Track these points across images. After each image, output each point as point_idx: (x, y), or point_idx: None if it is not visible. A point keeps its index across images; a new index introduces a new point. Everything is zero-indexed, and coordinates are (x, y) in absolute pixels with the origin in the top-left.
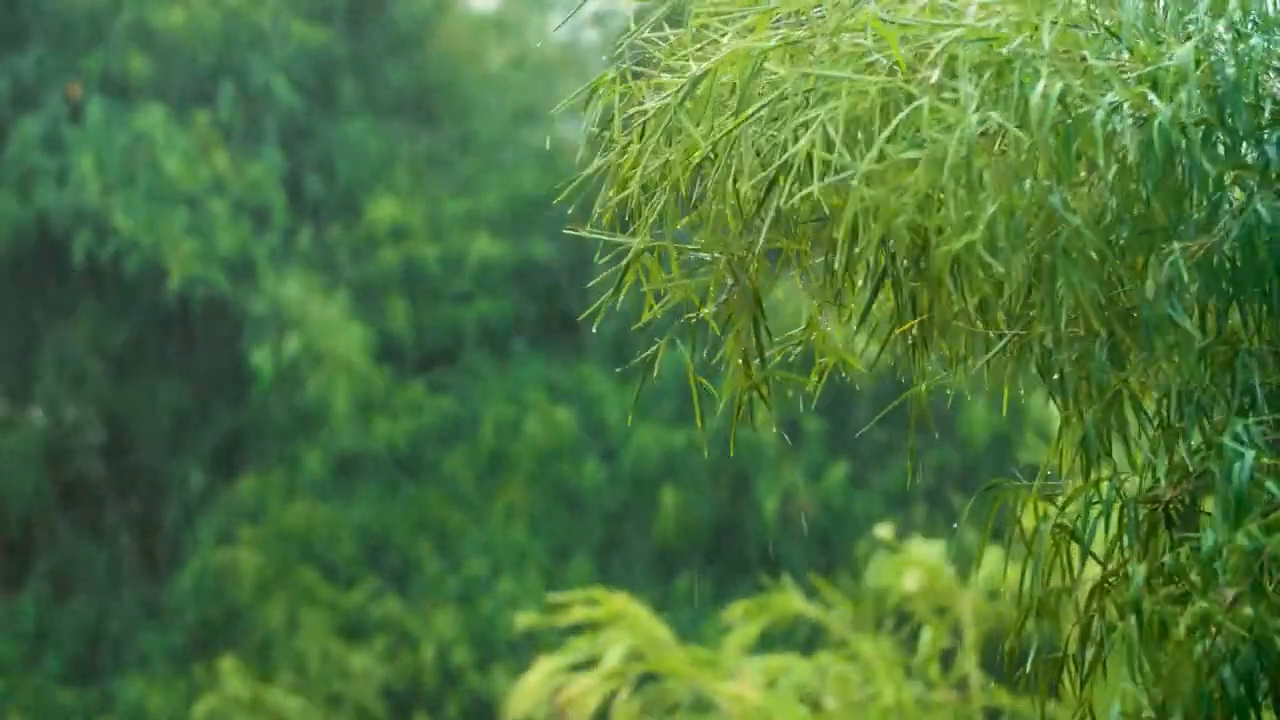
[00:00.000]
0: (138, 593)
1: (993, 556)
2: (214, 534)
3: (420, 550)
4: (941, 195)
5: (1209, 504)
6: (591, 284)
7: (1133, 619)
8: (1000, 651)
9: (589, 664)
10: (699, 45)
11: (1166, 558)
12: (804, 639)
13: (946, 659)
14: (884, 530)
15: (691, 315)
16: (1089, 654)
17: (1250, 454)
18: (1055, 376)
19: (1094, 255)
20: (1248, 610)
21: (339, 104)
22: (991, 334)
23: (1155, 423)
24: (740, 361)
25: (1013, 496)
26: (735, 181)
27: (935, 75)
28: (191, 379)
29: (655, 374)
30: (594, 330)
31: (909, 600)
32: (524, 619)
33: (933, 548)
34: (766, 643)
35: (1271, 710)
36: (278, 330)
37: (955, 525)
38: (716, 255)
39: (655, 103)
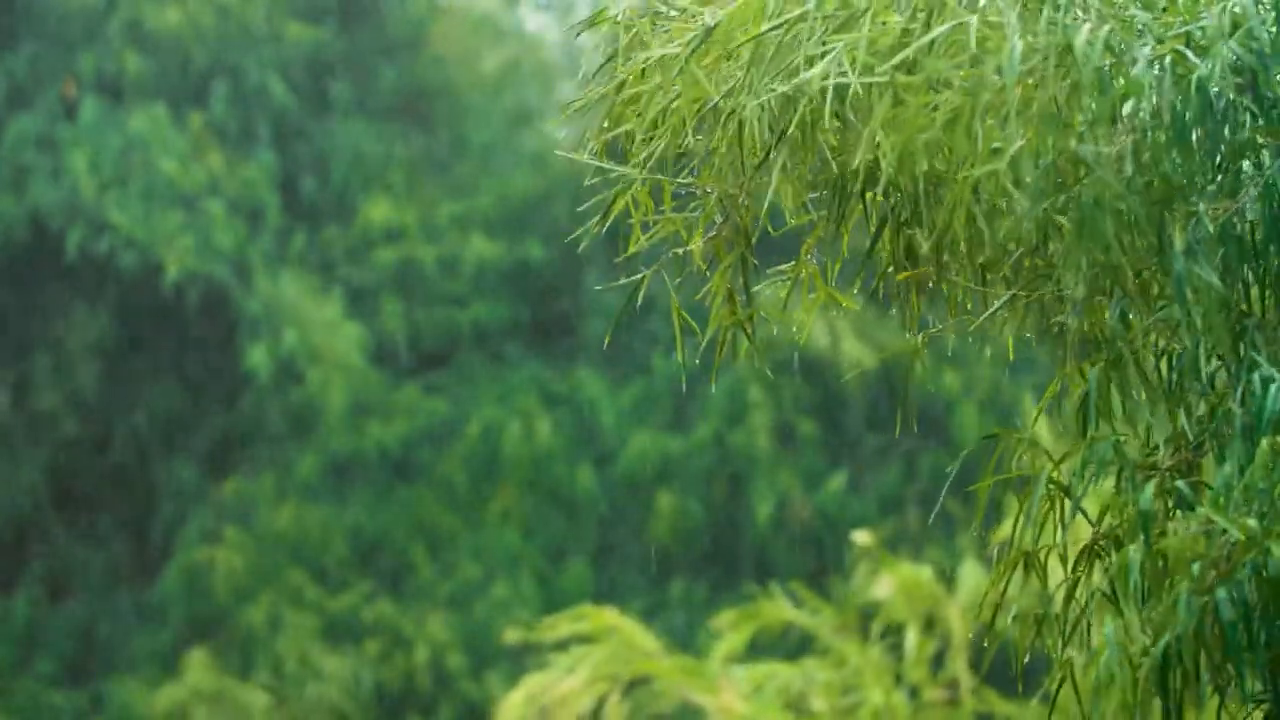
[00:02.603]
0: (130, 594)
1: (978, 570)
2: (204, 536)
3: (414, 554)
4: (970, 122)
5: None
6: (581, 208)
7: (1139, 542)
8: (988, 656)
9: (577, 677)
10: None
11: (1181, 484)
12: (795, 645)
13: (937, 663)
14: (863, 537)
15: (679, 249)
16: (1073, 615)
17: None
18: (1056, 333)
19: (1119, 209)
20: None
21: (333, 105)
22: (987, 290)
23: (1158, 388)
24: (725, 297)
25: (1012, 447)
26: (741, 125)
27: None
28: (186, 380)
29: (639, 300)
30: (583, 249)
31: (891, 606)
32: (513, 634)
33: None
34: (757, 650)
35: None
36: (272, 330)
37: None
38: (708, 190)
39: (662, 50)
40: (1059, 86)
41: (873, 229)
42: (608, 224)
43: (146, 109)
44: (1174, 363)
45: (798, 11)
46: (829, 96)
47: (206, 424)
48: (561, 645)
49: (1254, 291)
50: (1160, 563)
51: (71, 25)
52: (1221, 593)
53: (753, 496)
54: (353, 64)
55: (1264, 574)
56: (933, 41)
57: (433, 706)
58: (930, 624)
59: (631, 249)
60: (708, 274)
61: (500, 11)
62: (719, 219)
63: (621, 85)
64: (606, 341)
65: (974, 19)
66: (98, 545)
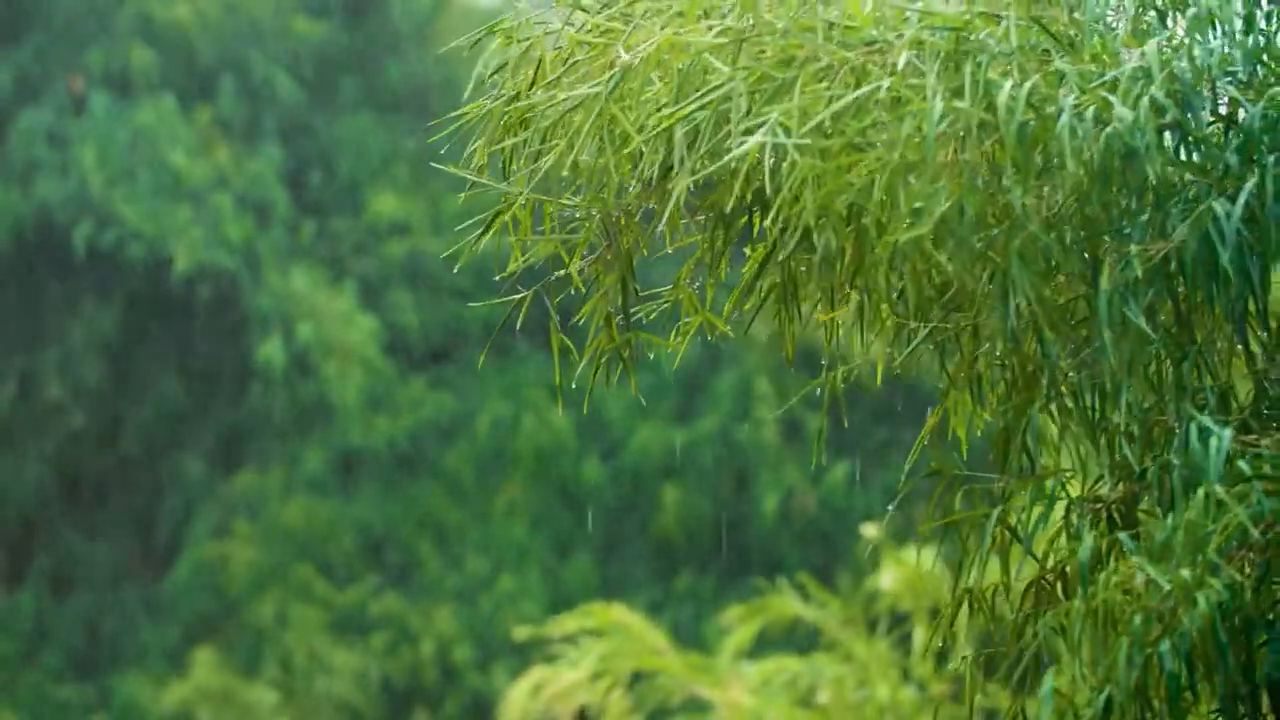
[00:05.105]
0: (137, 589)
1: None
2: (211, 530)
3: (421, 548)
4: (890, 182)
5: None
6: (459, 228)
7: (1078, 600)
8: (994, 650)
9: (583, 671)
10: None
11: (1124, 536)
12: (803, 640)
13: (943, 657)
14: (871, 529)
15: (560, 271)
16: (1024, 652)
17: (1227, 432)
18: (975, 369)
19: (1045, 258)
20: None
21: (339, 100)
22: (903, 322)
23: (1091, 418)
24: (604, 321)
25: (952, 483)
26: (667, 173)
27: (903, 60)
28: (193, 374)
29: (519, 324)
30: (454, 271)
31: (897, 599)
32: (521, 632)
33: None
34: (764, 644)
35: (1207, 685)
36: (284, 322)
37: (890, 507)
38: (592, 212)
39: (584, 90)
40: (982, 145)
41: (750, 250)
42: (484, 241)
43: (154, 103)
44: (1097, 395)
45: (723, 90)
46: (766, 168)
47: (214, 418)
48: (569, 639)
49: (1184, 331)
50: (1102, 615)
51: (79, 19)
52: (1165, 644)
53: (759, 490)
54: (358, 59)
55: (1198, 626)
56: (854, 102)
57: (440, 700)
58: (936, 617)
59: (511, 268)
60: (587, 296)
61: (505, 7)
62: (603, 241)
63: (514, 98)
64: (480, 363)
65: (888, 80)
66: (104, 539)
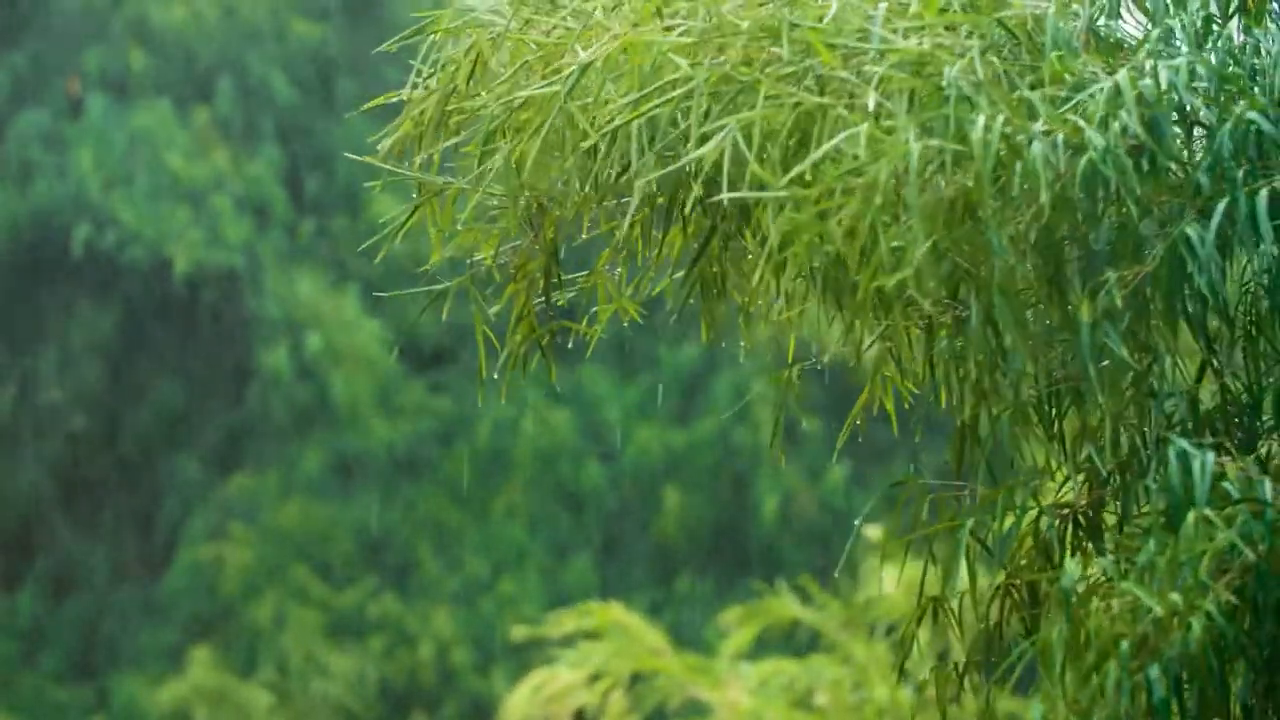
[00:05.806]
0: (135, 590)
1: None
2: (209, 532)
3: (419, 550)
4: (871, 230)
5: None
6: (381, 220)
7: (1062, 623)
8: (968, 660)
9: (583, 673)
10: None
11: (1104, 561)
12: (802, 642)
13: (943, 660)
14: (871, 531)
15: (482, 259)
16: (1000, 660)
17: (1210, 456)
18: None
19: (1022, 286)
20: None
21: (337, 101)
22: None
23: (1047, 420)
24: (521, 314)
25: (917, 494)
26: (625, 171)
27: (873, 101)
28: (193, 376)
29: (444, 315)
30: (376, 261)
31: (893, 604)
32: (519, 631)
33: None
34: (763, 646)
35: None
36: (288, 326)
37: (857, 524)
38: (519, 201)
39: (538, 88)
40: (958, 181)
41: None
42: (402, 232)
43: (151, 105)
44: (1059, 398)
45: (684, 88)
46: (724, 175)
47: (212, 420)
48: (567, 641)
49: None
50: (1085, 641)
51: (76, 22)
52: (1154, 671)
53: (758, 492)
54: (356, 60)
55: (1189, 650)
56: (829, 152)
57: (438, 703)
58: (935, 619)
59: (434, 260)
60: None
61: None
62: (528, 230)
63: (450, 94)
64: (395, 354)
65: (864, 126)
66: (103, 541)
